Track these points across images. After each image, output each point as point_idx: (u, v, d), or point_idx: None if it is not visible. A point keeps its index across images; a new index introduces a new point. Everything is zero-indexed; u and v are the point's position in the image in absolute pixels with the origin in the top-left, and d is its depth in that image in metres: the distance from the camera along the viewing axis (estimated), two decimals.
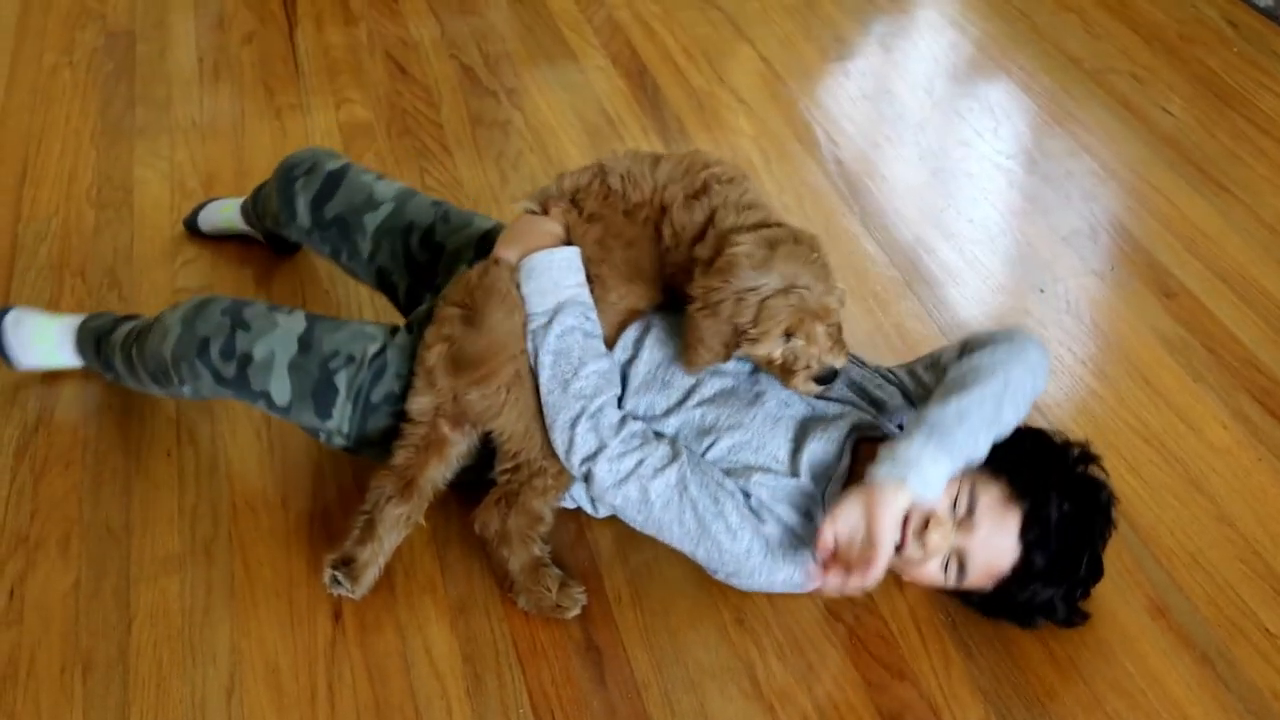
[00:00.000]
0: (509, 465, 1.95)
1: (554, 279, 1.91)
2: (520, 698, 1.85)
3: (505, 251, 1.95)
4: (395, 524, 1.96)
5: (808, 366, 1.84)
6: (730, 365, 1.95)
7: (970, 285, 2.57)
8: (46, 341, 2.30)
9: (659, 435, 1.91)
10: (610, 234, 1.94)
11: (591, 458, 1.85)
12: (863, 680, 1.88)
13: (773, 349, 1.84)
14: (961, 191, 2.85)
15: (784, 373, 1.87)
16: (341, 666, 1.89)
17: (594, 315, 1.93)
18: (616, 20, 3.49)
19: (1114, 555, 2.01)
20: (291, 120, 3.06)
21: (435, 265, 2.17)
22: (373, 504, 1.96)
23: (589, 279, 1.95)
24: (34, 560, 2.03)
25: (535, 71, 3.27)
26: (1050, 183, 2.87)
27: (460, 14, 3.52)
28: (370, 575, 1.96)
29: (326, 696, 1.85)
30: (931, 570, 1.83)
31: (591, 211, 1.95)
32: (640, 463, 1.85)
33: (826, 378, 1.86)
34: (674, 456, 1.86)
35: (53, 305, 2.49)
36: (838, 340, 1.86)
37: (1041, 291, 2.55)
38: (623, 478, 1.85)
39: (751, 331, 1.81)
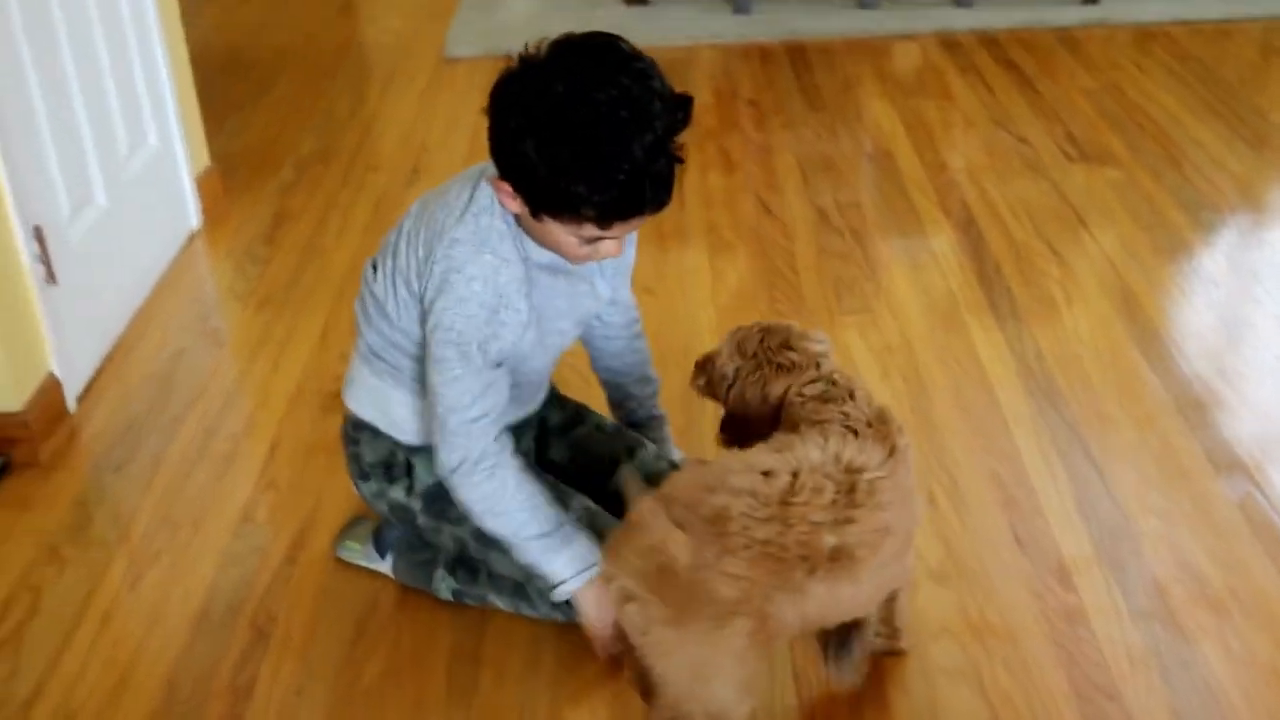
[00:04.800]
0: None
1: None
2: None
3: None
4: None
5: None
6: None
7: (1233, 410, 2.92)
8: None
9: None
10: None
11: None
12: None
13: None
14: (1236, 333, 3.24)
15: None
16: None
17: None
18: (957, 183, 4.02)
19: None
20: (671, 242, 3.73)
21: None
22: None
23: None
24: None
25: (878, 218, 3.84)
26: None
27: (823, 169, 4.15)
28: None
29: None
30: None
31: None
32: None
33: None
34: None
35: None
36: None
37: None
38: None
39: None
